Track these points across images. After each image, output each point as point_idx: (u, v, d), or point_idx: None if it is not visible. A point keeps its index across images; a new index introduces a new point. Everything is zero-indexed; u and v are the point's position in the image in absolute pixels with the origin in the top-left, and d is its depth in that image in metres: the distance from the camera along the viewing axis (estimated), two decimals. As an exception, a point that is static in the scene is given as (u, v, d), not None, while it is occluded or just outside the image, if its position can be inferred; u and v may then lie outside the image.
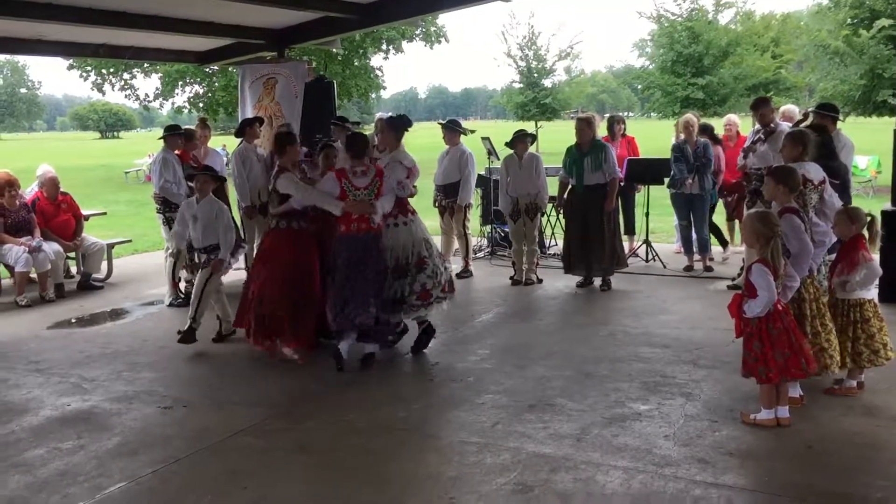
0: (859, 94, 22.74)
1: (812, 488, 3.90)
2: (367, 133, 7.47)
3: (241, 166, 8.22)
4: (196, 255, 6.79)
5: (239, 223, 8.71)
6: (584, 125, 8.38)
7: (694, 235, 9.33)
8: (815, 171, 5.60)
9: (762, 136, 7.64)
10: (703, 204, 9.19)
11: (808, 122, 7.20)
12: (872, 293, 5.14)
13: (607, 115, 11.69)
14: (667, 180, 9.45)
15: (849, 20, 23.79)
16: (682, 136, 9.19)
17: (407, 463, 4.37)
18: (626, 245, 10.19)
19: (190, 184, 7.50)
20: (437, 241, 9.80)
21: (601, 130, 9.43)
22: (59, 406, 5.44)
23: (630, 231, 10.29)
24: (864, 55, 22.13)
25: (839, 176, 6.27)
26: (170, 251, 8.30)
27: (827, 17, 24.93)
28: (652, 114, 42.19)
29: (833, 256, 5.36)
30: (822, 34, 23.64)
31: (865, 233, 5.11)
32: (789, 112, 8.96)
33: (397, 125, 6.63)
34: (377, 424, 4.97)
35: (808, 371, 4.63)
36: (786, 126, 7.52)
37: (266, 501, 3.98)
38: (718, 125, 10.38)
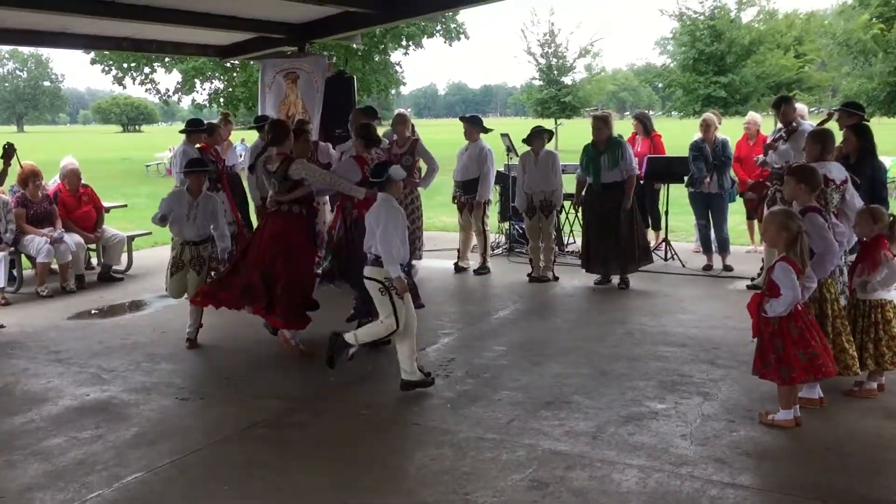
0: (885, 93, 22.53)
1: (830, 489, 3.87)
2: (384, 128, 7.58)
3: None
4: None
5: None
6: (601, 123, 8.35)
7: (713, 234, 9.27)
8: (837, 171, 5.56)
9: (783, 135, 7.59)
10: (721, 203, 9.13)
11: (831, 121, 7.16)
12: (893, 294, 5.09)
13: (636, 112, 11.64)
14: (686, 179, 9.41)
15: (874, 18, 23.57)
16: (702, 135, 9.14)
17: (423, 457, 4.38)
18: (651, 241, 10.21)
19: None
20: (455, 236, 9.86)
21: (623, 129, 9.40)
22: (78, 396, 5.49)
23: (656, 227, 10.25)
24: (891, 53, 21.93)
25: (879, 174, 6.31)
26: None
27: (853, 16, 24.74)
28: (673, 112, 41.96)
29: (853, 257, 5.31)
30: (854, 29, 23.42)
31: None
32: (798, 111, 8.89)
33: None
34: (393, 419, 4.98)
35: (832, 371, 4.59)
36: (808, 125, 7.47)
37: (283, 492, 4.00)
38: (741, 124, 10.31)
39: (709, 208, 9.17)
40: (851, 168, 6.01)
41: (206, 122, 8.88)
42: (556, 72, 43.62)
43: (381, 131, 9.37)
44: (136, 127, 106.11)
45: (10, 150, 7.29)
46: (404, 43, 28.71)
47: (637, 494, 3.87)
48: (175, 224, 6.45)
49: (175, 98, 29.98)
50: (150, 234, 11.24)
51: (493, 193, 9.94)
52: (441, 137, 25.48)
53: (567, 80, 43.99)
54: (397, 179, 5.37)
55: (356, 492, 3.97)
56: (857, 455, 4.27)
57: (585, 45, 43.51)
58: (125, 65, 27.65)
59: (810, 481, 3.97)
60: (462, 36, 30.08)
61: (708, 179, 8.97)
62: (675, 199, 10.02)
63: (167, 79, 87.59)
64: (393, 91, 31.99)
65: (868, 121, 7.02)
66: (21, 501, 3.94)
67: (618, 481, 4.01)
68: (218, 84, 28.95)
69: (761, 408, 4.84)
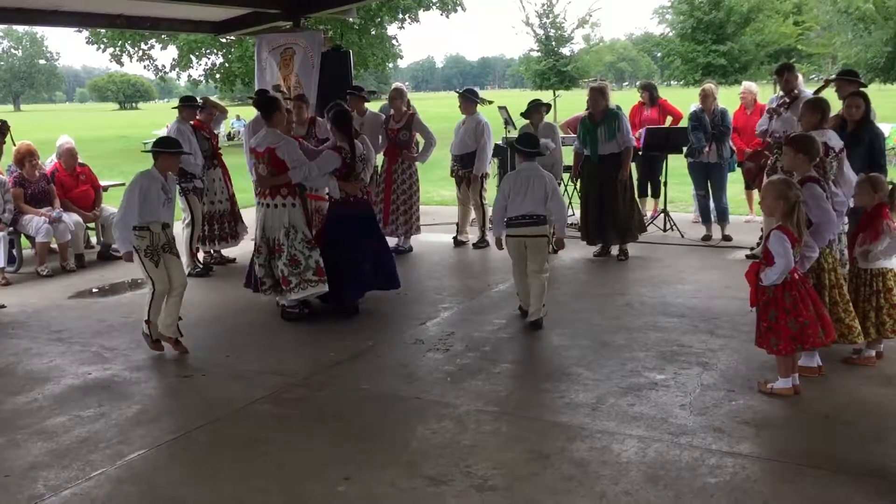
0: (884, 60, 22.40)
1: (829, 457, 3.89)
2: (381, 102, 7.61)
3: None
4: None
5: None
6: (598, 95, 8.31)
7: (712, 204, 9.26)
8: (835, 139, 5.55)
9: (786, 101, 7.55)
10: (721, 172, 9.11)
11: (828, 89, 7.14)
12: (894, 262, 5.08)
13: (642, 82, 11.57)
14: (686, 149, 9.39)
15: None
16: (702, 105, 9.09)
17: (423, 431, 4.40)
18: (649, 211, 10.25)
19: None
20: (454, 210, 9.86)
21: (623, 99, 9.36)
22: (80, 374, 5.51)
23: (656, 194, 10.25)
24: (890, 20, 21.77)
25: (878, 141, 6.28)
26: (186, 222, 8.33)
27: None
28: (672, 81, 41.79)
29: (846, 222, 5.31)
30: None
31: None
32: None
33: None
34: (393, 393, 5.01)
35: (824, 340, 4.60)
36: (809, 93, 7.43)
37: (285, 467, 4.03)
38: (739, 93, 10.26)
39: (708, 178, 9.14)
40: (849, 136, 6.00)
41: (199, 98, 8.83)
42: (554, 43, 43.30)
43: (377, 106, 9.33)
44: (133, 104, 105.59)
45: (2, 128, 7.25)
46: (400, 16, 28.49)
47: (637, 464, 3.90)
48: (150, 207, 5.74)
49: (172, 74, 29.82)
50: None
51: (492, 166, 9.90)
52: (439, 111, 25.33)
53: (565, 50, 43.68)
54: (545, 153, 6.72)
55: (357, 465, 4.00)
56: (855, 423, 4.29)
57: (583, 15, 43.14)
58: (120, 42, 27.45)
59: (809, 449, 4.00)
60: (459, 8, 29.85)
61: (707, 149, 8.94)
62: (674, 170, 10.00)
63: (164, 55, 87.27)
64: (390, 65, 31.82)
65: (866, 87, 6.98)
66: (25, 480, 3.97)
67: (617, 452, 4.04)
68: (215, 60, 28.77)
69: (760, 377, 4.86)
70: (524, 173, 6.16)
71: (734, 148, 9.25)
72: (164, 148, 5.86)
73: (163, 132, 27.53)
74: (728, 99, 10.55)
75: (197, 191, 8.23)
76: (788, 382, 4.64)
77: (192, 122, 8.36)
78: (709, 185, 9.17)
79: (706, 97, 9.04)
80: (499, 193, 6.35)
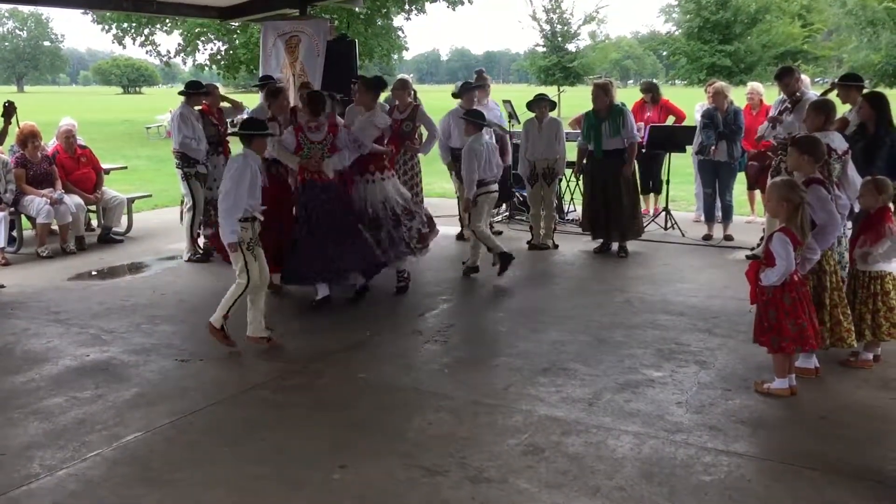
0: (892, 66, 22.37)
1: (824, 458, 3.89)
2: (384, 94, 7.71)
3: None
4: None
5: None
6: (600, 91, 8.29)
7: (717, 203, 9.24)
8: (839, 141, 5.54)
9: (789, 106, 7.53)
10: (730, 171, 9.08)
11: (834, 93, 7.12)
12: (894, 266, 5.09)
13: (644, 84, 11.47)
14: (689, 148, 9.36)
15: None
16: (713, 103, 9.03)
17: (420, 422, 4.41)
18: (651, 207, 10.25)
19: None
20: (454, 203, 9.84)
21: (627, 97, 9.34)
22: (78, 356, 5.52)
23: (657, 191, 10.24)
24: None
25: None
26: (188, 206, 8.33)
27: None
28: (677, 81, 41.73)
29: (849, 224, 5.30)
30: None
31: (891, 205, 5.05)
32: (803, 82, 8.86)
33: (372, 85, 7.06)
34: (391, 383, 5.01)
35: (819, 343, 4.61)
36: (812, 95, 7.42)
37: (282, 453, 4.03)
38: (744, 93, 10.24)
39: (717, 177, 9.11)
40: (873, 139, 5.97)
41: (205, 84, 8.80)
42: (560, 38, 43.24)
43: (381, 97, 9.30)
44: (137, 89, 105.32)
45: (10, 109, 7.25)
46: (407, 7, 28.39)
47: (632, 460, 3.90)
48: (254, 193, 5.48)
49: (178, 59, 29.71)
50: (149, 196, 11.23)
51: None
52: (443, 104, 25.30)
53: (571, 47, 43.64)
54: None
55: (354, 454, 4.01)
56: (851, 425, 4.29)
57: (590, 11, 43.11)
58: (125, 25, 27.36)
59: (804, 450, 4.01)
60: (465, 1, 29.75)
61: (714, 148, 8.90)
62: (676, 169, 9.99)
63: (168, 40, 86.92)
64: (395, 56, 31.69)
65: (863, 90, 6.95)
66: (21, 459, 3.98)
67: (613, 447, 4.05)
68: (220, 45, 28.62)
69: (757, 377, 4.87)
70: (481, 141, 7.25)
71: (744, 148, 9.23)
72: (255, 129, 5.56)
73: (166, 117, 27.53)
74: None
75: (200, 176, 8.23)
76: (785, 383, 4.64)
77: (199, 108, 8.35)
78: (717, 183, 9.13)
79: (717, 95, 8.96)
80: (474, 160, 7.15)
